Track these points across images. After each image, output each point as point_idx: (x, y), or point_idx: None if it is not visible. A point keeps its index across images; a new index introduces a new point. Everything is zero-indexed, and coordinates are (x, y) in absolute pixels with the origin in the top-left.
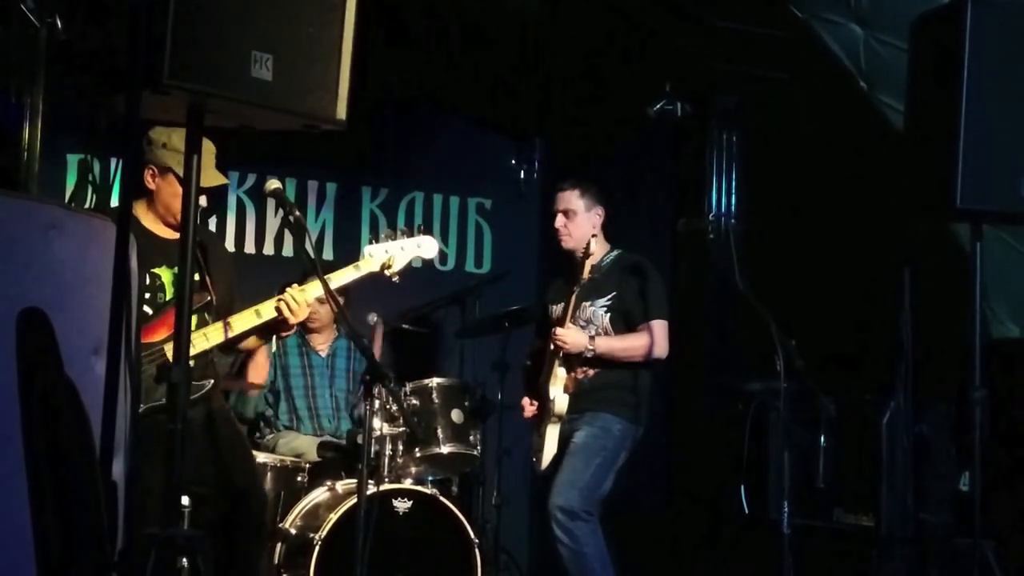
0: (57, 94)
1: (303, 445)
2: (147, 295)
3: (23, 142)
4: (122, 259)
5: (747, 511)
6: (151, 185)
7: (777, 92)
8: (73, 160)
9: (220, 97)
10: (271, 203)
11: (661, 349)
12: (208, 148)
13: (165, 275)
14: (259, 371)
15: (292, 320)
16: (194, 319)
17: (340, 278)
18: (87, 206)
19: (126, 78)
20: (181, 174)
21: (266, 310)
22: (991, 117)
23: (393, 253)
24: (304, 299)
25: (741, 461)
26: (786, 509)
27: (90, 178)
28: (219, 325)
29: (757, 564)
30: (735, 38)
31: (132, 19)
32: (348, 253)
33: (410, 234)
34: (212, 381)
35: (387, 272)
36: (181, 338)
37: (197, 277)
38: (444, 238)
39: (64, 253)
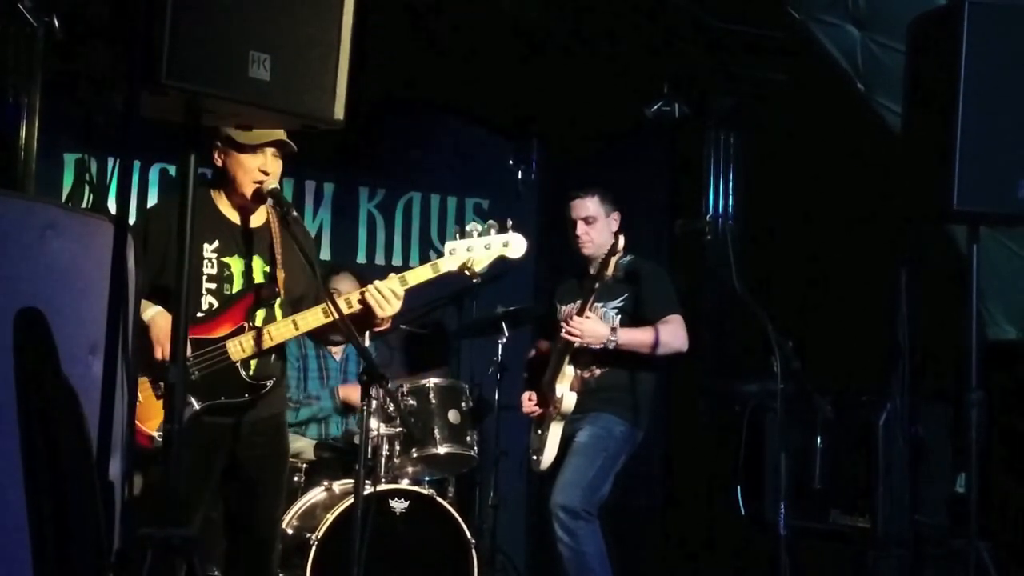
0: (54, 94)
1: (301, 445)
2: (214, 285)
3: (20, 141)
4: (119, 259)
5: (743, 512)
6: (218, 162)
7: (775, 93)
8: (70, 159)
9: (218, 97)
10: (269, 203)
11: (682, 341)
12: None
13: (236, 265)
14: None
15: (380, 312)
16: (262, 313)
17: (416, 278)
18: (84, 206)
19: (124, 78)
20: (241, 142)
21: (350, 303)
22: (988, 119)
23: (476, 252)
24: (391, 288)
25: (737, 462)
26: (782, 510)
27: (87, 178)
28: (287, 321)
29: (753, 565)
30: (733, 39)
31: (130, 19)
32: (345, 253)
33: (500, 229)
34: (274, 379)
35: (466, 272)
36: (179, 339)
37: (268, 268)
38: (441, 238)
39: (61, 253)
